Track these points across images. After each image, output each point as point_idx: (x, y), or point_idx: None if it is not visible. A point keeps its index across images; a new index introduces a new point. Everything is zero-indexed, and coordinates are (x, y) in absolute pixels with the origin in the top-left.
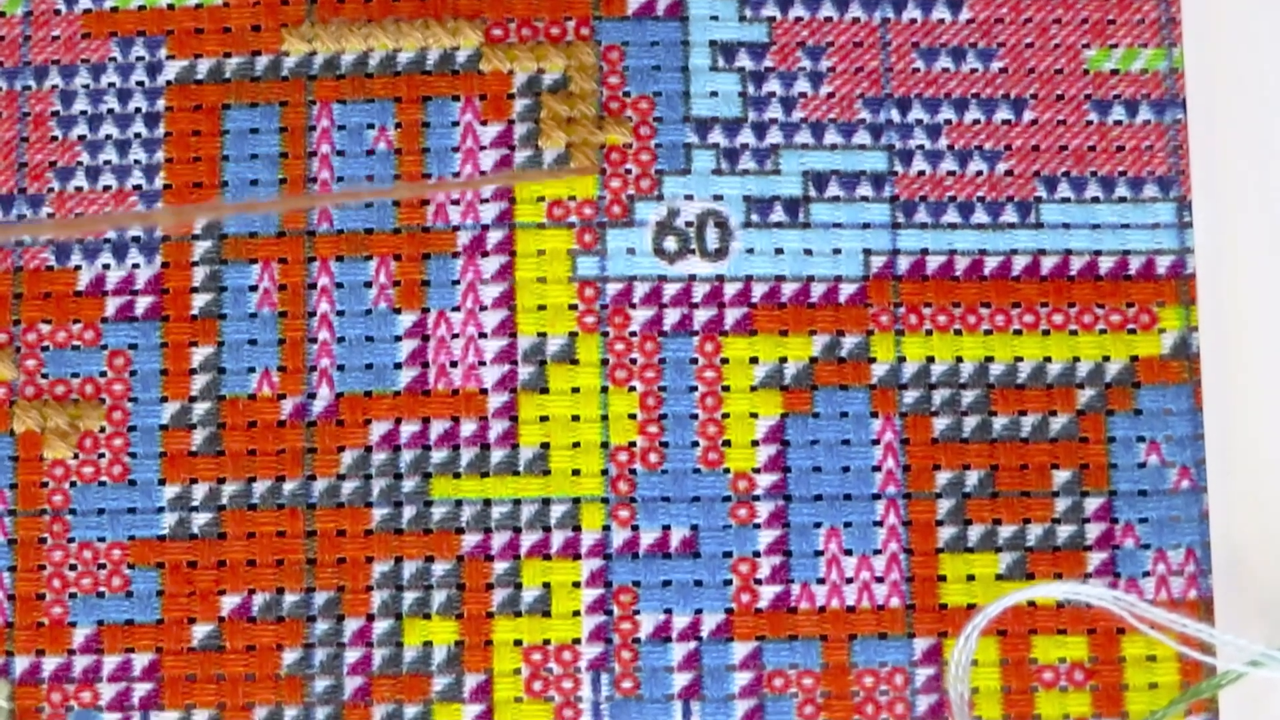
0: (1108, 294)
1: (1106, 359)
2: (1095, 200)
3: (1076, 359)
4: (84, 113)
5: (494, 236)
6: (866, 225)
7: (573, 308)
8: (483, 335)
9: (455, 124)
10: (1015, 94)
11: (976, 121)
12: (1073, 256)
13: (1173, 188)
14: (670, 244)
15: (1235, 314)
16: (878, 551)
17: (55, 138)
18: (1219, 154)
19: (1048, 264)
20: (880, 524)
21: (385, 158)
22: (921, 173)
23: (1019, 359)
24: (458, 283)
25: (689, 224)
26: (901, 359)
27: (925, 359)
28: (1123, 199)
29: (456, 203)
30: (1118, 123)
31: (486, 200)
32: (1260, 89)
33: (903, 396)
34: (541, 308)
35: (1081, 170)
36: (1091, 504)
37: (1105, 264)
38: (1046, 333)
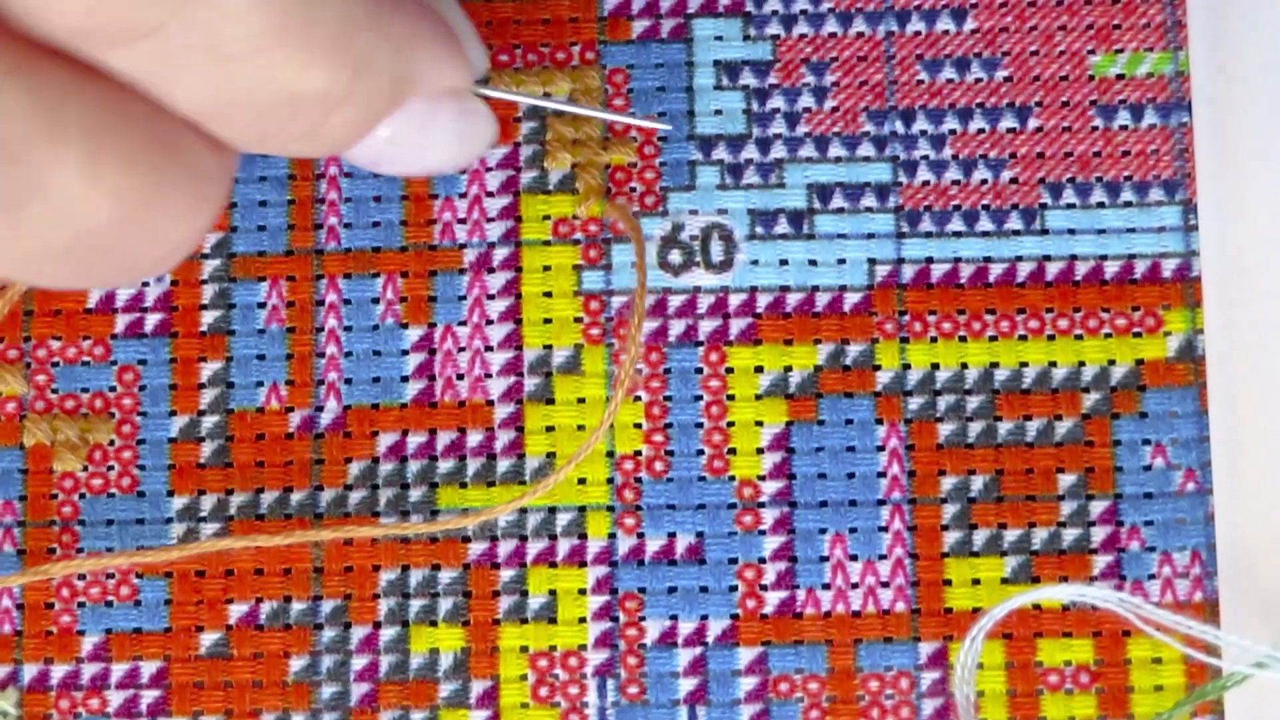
0: (1113, 298)
1: (1112, 363)
2: (1101, 205)
3: (1082, 363)
4: None
5: (500, 253)
6: (871, 235)
7: (578, 320)
8: (489, 348)
9: None
10: (1020, 102)
11: (981, 131)
12: (1078, 262)
13: (1178, 191)
14: (675, 257)
15: (1241, 316)
16: (883, 557)
17: None
18: (1225, 156)
19: (1053, 270)
20: (885, 529)
21: (393, 179)
22: (926, 183)
23: (1024, 364)
24: (464, 298)
25: (693, 237)
26: (906, 366)
27: (930, 365)
28: (1128, 203)
29: (463, 221)
30: (1123, 127)
31: (493, 219)
32: (1267, 91)
33: (908, 403)
34: (547, 321)
35: (1087, 176)
36: (1097, 507)
37: (1111, 268)
38: (1052, 338)
